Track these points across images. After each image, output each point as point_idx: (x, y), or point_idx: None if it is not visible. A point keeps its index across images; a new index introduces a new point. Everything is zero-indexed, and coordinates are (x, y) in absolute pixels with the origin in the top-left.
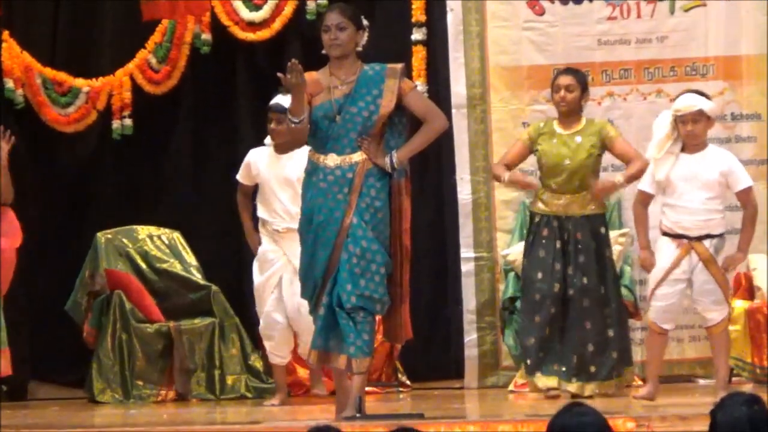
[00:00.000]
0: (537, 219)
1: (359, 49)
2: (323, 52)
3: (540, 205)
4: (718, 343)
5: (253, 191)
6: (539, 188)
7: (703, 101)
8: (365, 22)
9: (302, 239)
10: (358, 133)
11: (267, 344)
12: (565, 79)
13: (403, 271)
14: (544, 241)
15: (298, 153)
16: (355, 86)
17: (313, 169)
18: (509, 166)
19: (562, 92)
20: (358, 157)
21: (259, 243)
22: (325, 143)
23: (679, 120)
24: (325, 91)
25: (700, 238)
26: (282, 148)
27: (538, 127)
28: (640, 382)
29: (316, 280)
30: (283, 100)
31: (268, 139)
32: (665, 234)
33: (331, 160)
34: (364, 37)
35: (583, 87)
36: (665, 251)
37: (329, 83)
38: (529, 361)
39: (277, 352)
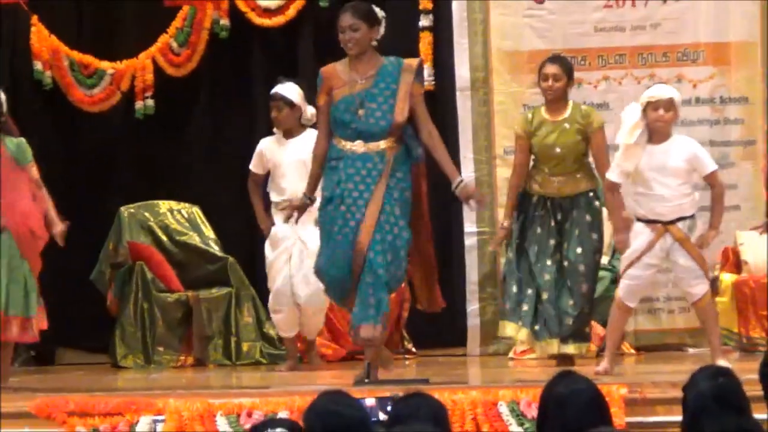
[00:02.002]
0: (534, 199)
1: (374, 43)
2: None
3: (535, 186)
4: (706, 316)
5: (264, 180)
6: (533, 170)
7: (674, 91)
8: (381, 14)
9: (323, 227)
10: (384, 125)
11: (274, 318)
12: (552, 68)
13: (431, 247)
14: (539, 219)
15: (305, 135)
16: (374, 81)
17: (338, 156)
18: (521, 172)
19: (550, 81)
20: (384, 144)
21: (272, 224)
22: (351, 132)
23: (651, 107)
24: (347, 85)
25: (673, 221)
26: (288, 134)
27: (527, 120)
28: (632, 351)
29: (339, 272)
30: (282, 88)
31: (276, 127)
32: (639, 219)
33: (359, 147)
34: (380, 30)
35: (569, 75)
36: (638, 237)
37: (350, 77)
38: (507, 305)
39: (285, 326)
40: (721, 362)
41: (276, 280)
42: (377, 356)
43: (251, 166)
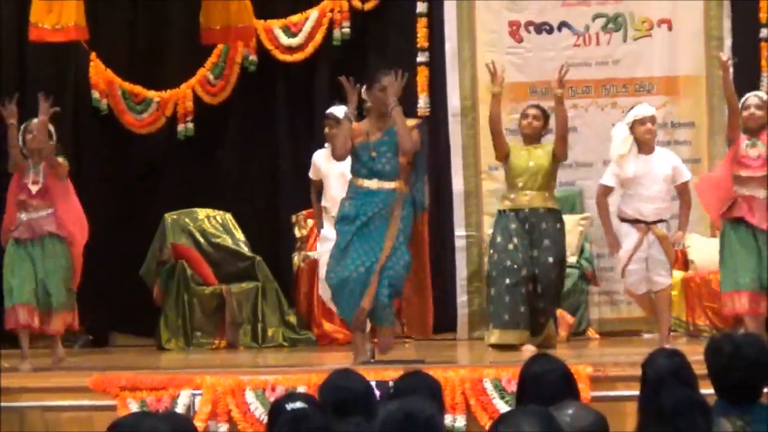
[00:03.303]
0: (506, 214)
1: None
2: (366, 105)
3: (507, 203)
4: (663, 303)
5: (320, 185)
6: (507, 187)
7: (654, 109)
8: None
9: (337, 242)
10: (390, 166)
11: (324, 298)
12: (534, 111)
13: (429, 283)
14: (512, 232)
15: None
16: (384, 133)
17: (354, 194)
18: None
19: (530, 119)
20: (392, 185)
21: (321, 227)
22: (366, 172)
23: (638, 122)
24: (364, 135)
25: (655, 222)
26: (337, 156)
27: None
28: (597, 336)
29: (346, 278)
30: (336, 109)
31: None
32: (624, 220)
33: (374, 184)
34: None
35: (546, 120)
36: (627, 238)
37: (368, 129)
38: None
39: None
40: (668, 345)
41: (323, 271)
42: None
43: (310, 174)
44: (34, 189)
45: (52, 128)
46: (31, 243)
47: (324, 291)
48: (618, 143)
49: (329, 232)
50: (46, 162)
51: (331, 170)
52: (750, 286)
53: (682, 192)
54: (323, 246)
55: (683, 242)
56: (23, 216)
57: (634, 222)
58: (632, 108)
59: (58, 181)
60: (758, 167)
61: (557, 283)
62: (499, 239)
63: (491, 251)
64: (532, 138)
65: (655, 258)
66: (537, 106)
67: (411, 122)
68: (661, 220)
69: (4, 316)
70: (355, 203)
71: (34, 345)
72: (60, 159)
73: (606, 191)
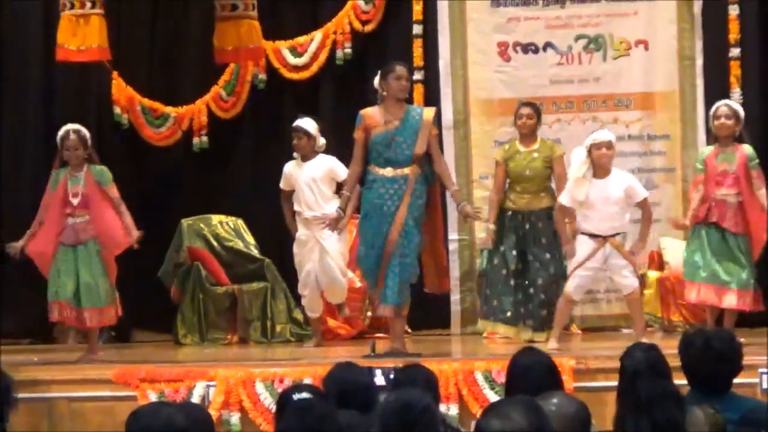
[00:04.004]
0: (508, 213)
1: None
2: (381, 93)
3: (509, 203)
4: (634, 306)
5: (291, 194)
6: (508, 190)
7: (611, 134)
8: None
9: (361, 231)
10: (405, 155)
11: (303, 300)
12: (526, 110)
13: (442, 245)
14: (512, 229)
15: (315, 160)
16: (402, 122)
17: (373, 180)
18: (500, 189)
19: (524, 119)
20: (407, 170)
21: (296, 230)
22: (384, 160)
23: (595, 147)
24: (382, 124)
25: (612, 236)
26: (305, 158)
27: (505, 150)
28: (579, 331)
29: (373, 265)
30: (302, 122)
31: (296, 153)
32: (584, 233)
33: (389, 172)
34: None
35: (538, 116)
36: (583, 246)
37: (385, 118)
38: (485, 307)
39: (309, 306)
40: (643, 339)
41: (302, 271)
42: (400, 328)
43: (281, 184)
44: (75, 201)
45: (88, 135)
46: (74, 247)
47: (301, 288)
48: (575, 167)
49: (305, 234)
50: (89, 173)
51: (301, 176)
52: (709, 279)
53: (642, 208)
54: (300, 249)
55: (641, 253)
56: (69, 221)
57: (592, 236)
58: (592, 133)
59: (98, 191)
60: (730, 184)
61: (557, 276)
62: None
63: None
64: (529, 135)
65: (616, 264)
66: (529, 104)
67: (431, 111)
68: (617, 233)
69: (48, 310)
70: (372, 195)
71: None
72: (107, 175)
73: (562, 210)
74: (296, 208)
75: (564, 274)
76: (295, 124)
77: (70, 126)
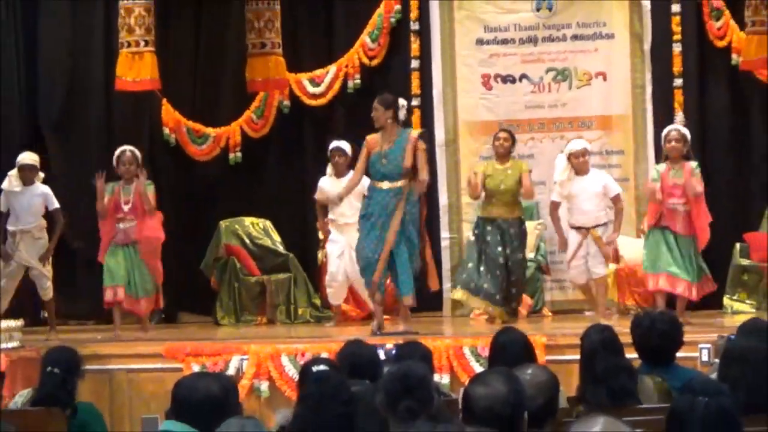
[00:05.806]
0: (483, 221)
1: (401, 117)
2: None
3: (485, 212)
4: (600, 288)
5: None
6: (484, 201)
7: (586, 143)
8: (401, 102)
9: (361, 231)
10: (397, 170)
11: (328, 291)
12: (503, 134)
13: (427, 248)
14: (488, 234)
15: (348, 177)
16: (394, 144)
17: (372, 192)
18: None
19: (501, 141)
20: (400, 184)
21: (327, 232)
22: (380, 176)
23: (573, 156)
24: (379, 146)
25: (594, 227)
26: (340, 174)
27: (485, 167)
28: (550, 314)
29: (369, 258)
30: (341, 143)
31: (329, 169)
32: (572, 227)
33: (385, 185)
34: (400, 110)
35: (513, 140)
36: (573, 240)
37: (381, 141)
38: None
39: (334, 297)
40: (603, 321)
41: (331, 266)
42: (406, 312)
43: (316, 196)
44: (126, 208)
45: (139, 154)
46: (125, 246)
47: (329, 280)
48: (559, 171)
49: (336, 236)
50: (138, 189)
51: (336, 191)
52: (666, 270)
53: (615, 202)
54: (332, 247)
55: (616, 241)
56: (120, 225)
57: (578, 229)
58: (569, 142)
59: (144, 201)
60: (680, 195)
61: (525, 273)
62: (476, 236)
63: (472, 239)
64: (504, 155)
65: (593, 254)
66: (505, 130)
67: (416, 132)
68: (598, 225)
69: (103, 294)
70: (371, 202)
71: (127, 322)
72: (150, 187)
73: (554, 206)
74: (330, 216)
75: (525, 271)
76: (335, 145)
77: (125, 146)
